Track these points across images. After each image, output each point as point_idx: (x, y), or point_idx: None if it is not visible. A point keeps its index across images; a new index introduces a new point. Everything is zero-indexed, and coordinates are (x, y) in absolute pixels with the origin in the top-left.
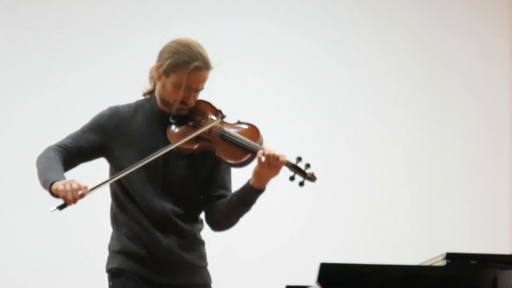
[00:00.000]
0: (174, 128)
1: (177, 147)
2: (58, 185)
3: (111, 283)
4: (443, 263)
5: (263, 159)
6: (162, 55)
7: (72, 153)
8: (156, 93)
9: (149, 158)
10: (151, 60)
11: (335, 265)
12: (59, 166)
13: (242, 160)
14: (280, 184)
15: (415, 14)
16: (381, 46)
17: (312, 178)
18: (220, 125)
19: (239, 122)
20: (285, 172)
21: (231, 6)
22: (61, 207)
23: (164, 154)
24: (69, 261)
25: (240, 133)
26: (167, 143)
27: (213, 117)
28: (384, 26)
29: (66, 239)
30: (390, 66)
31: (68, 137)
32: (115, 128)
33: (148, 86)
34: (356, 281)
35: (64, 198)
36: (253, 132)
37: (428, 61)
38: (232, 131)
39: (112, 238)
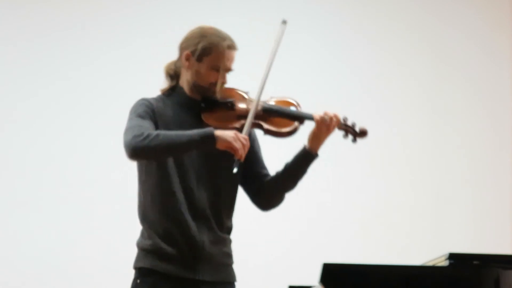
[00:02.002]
0: (210, 113)
1: (222, 128)
2: (230, 138)
3: (138, 280)
4: (445, 263)
5: (320, 119)
6: (188, 42)
7: None
8: (185, 84)
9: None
10: (148, 60)
11: (338, 265)
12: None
13: (291, 127)
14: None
15: (418, 13)
16: (383, 45)
17: (363, 133)
18: (262, 101)
19: (272, 98)
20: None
21: (232, 6)
22: (237, 164)
23: None
24: (69, 261)
25: (278, 104)
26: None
27: (249, 96)
28: (387, 25)
29: (67, 239)
30: (393, 65)
31: (135, 126)
32: (158, 115)
33: (164, 85)
34: (359, 281)
35: (239, 155)
36: (289, 102)
37: (431, 60)
38: (269, 103)
39: (143, 236)
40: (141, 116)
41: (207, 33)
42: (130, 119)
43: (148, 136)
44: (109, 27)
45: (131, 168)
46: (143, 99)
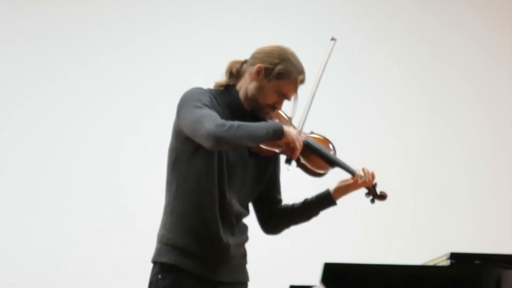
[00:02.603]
0: None
1: (259, 148)
2: (294, 137)
3: (159, 276)
4: (446, 263)
5: (361, 177)
6: (266, 58)
7: None
8: (242, 90)
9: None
10: (148, 60)
11: (339, 265)
12: None
13: (325, 170)
14: (283, 183)
15: (418, 13)
16: (383, 45)
17: (382, 197)
18: (304, 134)
19: (312, 133)
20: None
21: (232, 6)
22: (290, 162)
23: (244, 151)
24: (69, 260)
25: (318, 142)
26: None
27: (292, 122)
28: (386, 25)
29: (68, 239)
30: (394, 66)
31: (209, 115)
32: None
33: (222, 79)
34: (360, 281)
35: (296, 155)
36: (327, 144)
37: (432, 60)
38: (312, 140)
39: (166, 229)
40: (208, 106)
41: (289, 59)
42: (197, 107)
43: (231, 126)
44: (109, 27)
45: (133, 168)
46: (202, 88)
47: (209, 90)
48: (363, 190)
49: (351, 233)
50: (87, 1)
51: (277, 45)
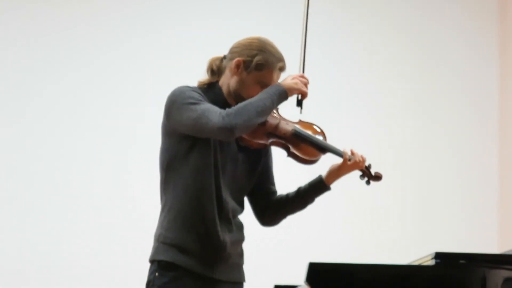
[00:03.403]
0: None
1: (248, 141)
2: (297, 85)
3: (157, 273)
4: (431, 262)
5: (350, 159)
6: (244, 50)
7: None
8: (225, 86)
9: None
10: (148, 59)
11: (324, 264)
12: None
13: (317, 157)
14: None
15: (407, 13)
16: (373, 45)
17: (377, 177)
18: (291, 123)
19: (300, 121)
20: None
21: (232, 6)
22: (301, 103)
23: (228, 147)
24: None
25: (306, 130)
26: None
27: (278, 113)
28: (377, 25)
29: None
30: (382, 65)
31: (210, 108)
32: None
33: (205, 77)
34: (345, 280)
35: (306, 94)
36: (316, 131)
37: (419, 59)
38: (300, 128)
39: (163, 228)
40: (201, 100)
41: (266, 49)
42: (191, 103)
43: (238, 111)
44: (108, 27)
45: (134, 168)
46: (190, 86)
47: (196, 87)
48: (357, 174)
49: (337, 233)
50: (88, 1)
51: (254, 36)
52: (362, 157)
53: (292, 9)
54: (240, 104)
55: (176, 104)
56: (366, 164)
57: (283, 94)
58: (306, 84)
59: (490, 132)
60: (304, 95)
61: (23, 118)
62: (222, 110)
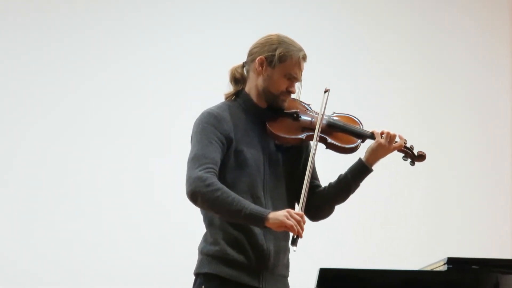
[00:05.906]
0: (275, 122)
1: (284, 138)
2: (281, 220)
3: (203, 286)
4: (444, 268)
5: (383, 138)
6: (264, 48)
7: (217, 169)
8: (253, 90)
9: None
10: (154, 66)
11: (335, 270)
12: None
13: (355, 144)
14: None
15: (414, 20)
16: (379, 52)
17: (421, 156)
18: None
19: (334, 113)
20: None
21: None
22: (295, 242)
23: (267, 150)
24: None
25: (342, 120)
26: (264, 138)
27: (311, 108)
28: (384, 32)
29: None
30: (390, 71)
31: (201, 157)
32: (225, 127)
33: (229, 88)
34: (355, 286)
35: (295, 231)
36: (352, 120)
37: (428, 66)
38: (334, 118)
39: (207, 241)
40: (208, 139)
41: (284, 41)
42: (197, 141)
43: (210, 185)
44: (115, 33)
45: (140, 171)
46: (209, 113)
47: (219, 107)
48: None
49: (348, 238)
50: (88, 1)
51: (268, 34)
52: (400, 137)
53: (288, 15)
54: (223, 190)
55: (192, 133)
56: (408, 145)
57: (258, 219)
58: (299, 222)
59: (502, 136)
60: (291, 231)
61: (31, 123)
62: (210, 177)
